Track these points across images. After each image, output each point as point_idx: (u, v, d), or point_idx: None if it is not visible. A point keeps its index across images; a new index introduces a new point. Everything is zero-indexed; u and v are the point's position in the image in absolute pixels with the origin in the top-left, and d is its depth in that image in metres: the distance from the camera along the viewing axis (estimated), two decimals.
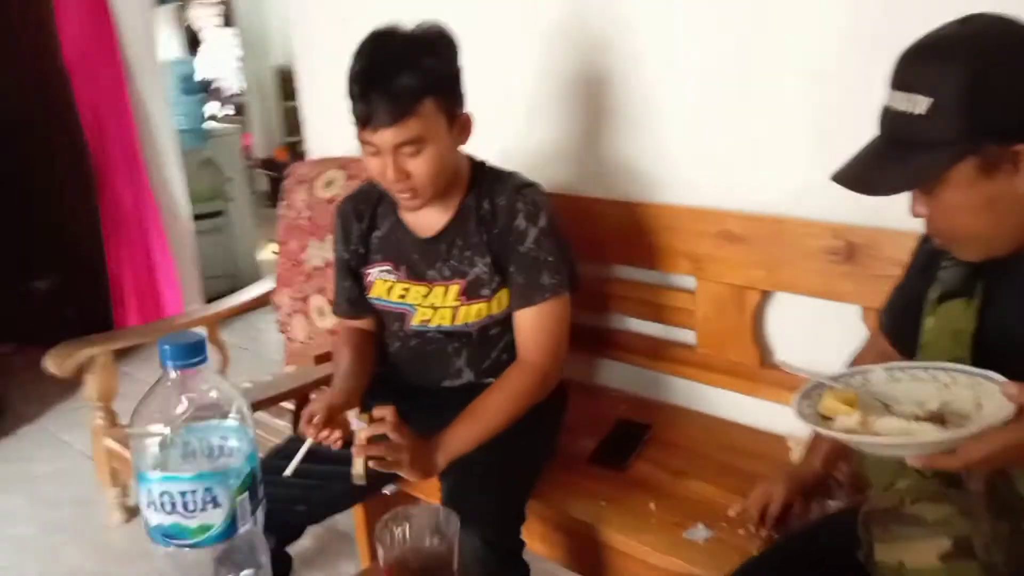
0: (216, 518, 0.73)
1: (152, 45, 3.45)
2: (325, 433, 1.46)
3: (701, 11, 1.77)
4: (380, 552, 0.94)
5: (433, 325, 1.64)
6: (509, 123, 2.11)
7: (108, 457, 2.46)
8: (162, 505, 0.72)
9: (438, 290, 1.63)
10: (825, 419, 0.99)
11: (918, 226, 1.09)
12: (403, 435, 1.43)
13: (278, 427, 2.19)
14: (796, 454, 1.64)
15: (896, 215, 1.47)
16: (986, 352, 1.04)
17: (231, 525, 0.73)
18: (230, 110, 6.65)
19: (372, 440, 1.42)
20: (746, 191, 1.77)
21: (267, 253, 3.97)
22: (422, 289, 1.64)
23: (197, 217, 3.81)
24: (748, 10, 1.70)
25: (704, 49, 1.78)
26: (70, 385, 2.72)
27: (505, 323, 1.64)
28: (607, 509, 1.56)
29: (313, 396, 1.95)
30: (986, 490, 0.99)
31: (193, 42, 6.53)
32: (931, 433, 0.91)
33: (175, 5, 5.78)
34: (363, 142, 1.49)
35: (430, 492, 1.66)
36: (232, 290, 2.86)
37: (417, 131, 1.45)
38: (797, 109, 1.67)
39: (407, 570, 0.92)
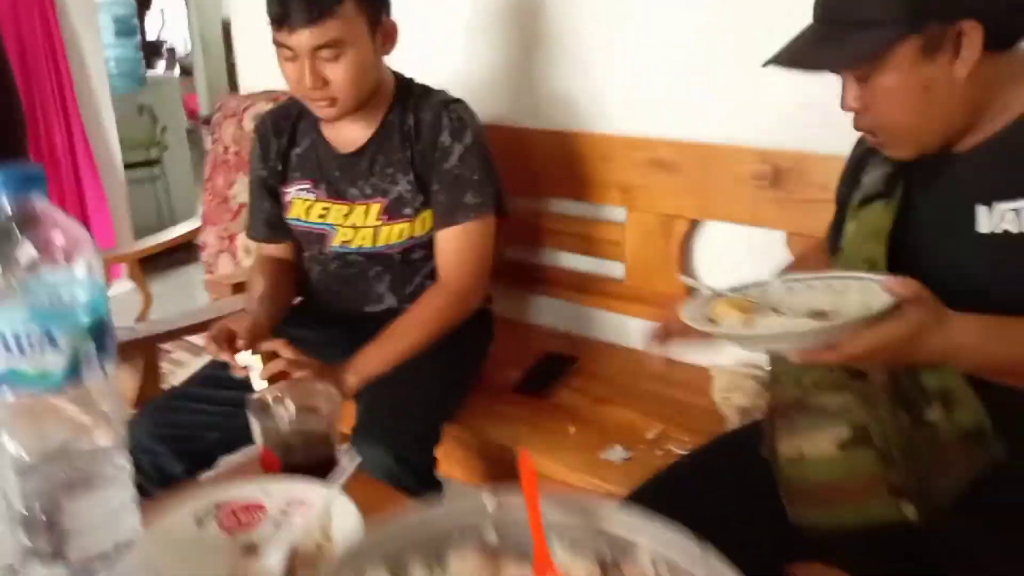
0: (56, 363, 0.67)
1: None
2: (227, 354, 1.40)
3: None
4: (257, 431, 0.89)
5: (354, 247, 1.58)
6: (444, 52, 2.05)
7: None
8: None
9: (359, 209, 1.57)
10: (714, 324, 0.96)
11: (845, 150, 1.06)
12: (303, 365, 1.37)
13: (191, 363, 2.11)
14: (718, 383, 1.62)
15: (823, 139, 1.45)
16: (902, 252, 1.02)
17: (74, 368, 0.67)
18: (176, 72, 6.48)
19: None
20: (677, 118, 1.74)
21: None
22: (343, 208, 1.58)
23: (132, 165, 3.69)
24: None
25: None
26: None
27: (429, 247, 1.59)
28: (526, 433, 1.54)
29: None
30: (889, 381, 0.97)
31: (143, 2, 6.34)
32: (803, 324, 0.88)
33: None
34: (279, 45, 1.42)
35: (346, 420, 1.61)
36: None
37: (336, 33, 1.39)
38: (725, 36, 1.64)
39: (287, 448, 0.87)
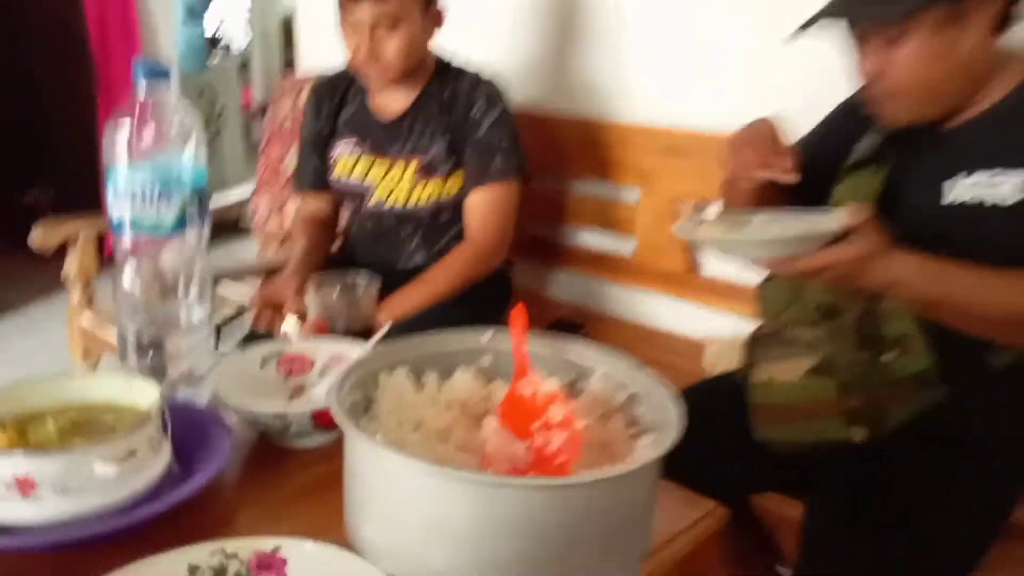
0: (168, 214, 0.87)
1: None
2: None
3: None
4: (312, 304, 1.09)
5: (388, 205, 1.78)
6: (488, 36, 2.26)
7: (82, 335, 2.59)
8: (125, 197, 0.86)
9: (397, 168, 1.77)
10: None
11: None
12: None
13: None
14: (709, 351, 1.78)
15: None
16: (886, 217, 1.14)
17: (180, 223, 0.88)
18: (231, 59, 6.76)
19: None
20: (691, 109, 1.93)
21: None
22: (383, 164, 1.78)
23: None
24: None
25: None
26: (54, 284, 2.87)
27: (455, 209, 1.78)
28: None
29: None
30: (856, 322, 1.13)
31: None
32: (765, 233, 1.04)
33: None
34: (344, 18, 1.64)
35: None
36: (215, 220, 2.99)
37: (394, 8, 1.60)
38: (741, 37, 1.83)
39: (333, 318, 1.08)
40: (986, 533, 1.17)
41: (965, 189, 1.10)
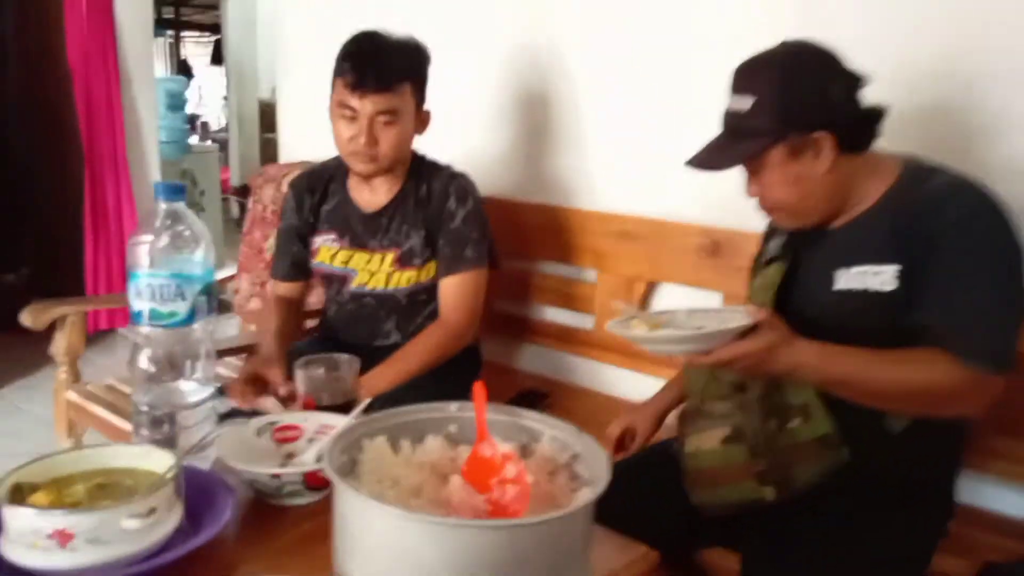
0: (181, 308, 1.03)
1: (149, 59, 3.82)
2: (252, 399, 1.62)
3: (620, 55, 2.17)
4: (300, 383, 1.24)
5: (369, 288, 1.93)
6: (458, 134, 2.46)
7: (68, 409, 2.69)
8: (145, 294, 1.02)
9: (376, 257, 1.92)
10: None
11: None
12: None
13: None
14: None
15: (753, 220, 1.82)
16: (787, 300, 1.35)
17: (191, 315, 1.04)
18: (212, 145, 6.99)
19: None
20: (641, 198, 2.13)
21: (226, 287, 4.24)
22: (364, 255, 1.93)
23: None
24: (655, 65, 2.10)
25: (622, 89, 2.17)
26: (31, 363, 2.96)
27: (431, 291, 1.93)
28: None
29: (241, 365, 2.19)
30: (762, 394, 1.29)
31: (185, 74, 6.89)
32: (683, 333, 1.19)
33: (168, 39, 6.16)
34: (342, 106, 1.77)
35: None
36: None
37: (396, 104, 1.76)
38: (683, 139, 2.02)
39: (319, 395, 1.23)
40: None
41: (851, 278, 1.28)
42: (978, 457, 1.58)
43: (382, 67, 1.74)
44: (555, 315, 2.37)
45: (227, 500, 0.97)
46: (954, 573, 1.41)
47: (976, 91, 1.63)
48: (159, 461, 0.96)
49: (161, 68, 5.46)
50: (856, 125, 1.29)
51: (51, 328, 2.55)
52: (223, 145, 6.87)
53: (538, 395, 2.15)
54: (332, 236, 1.95)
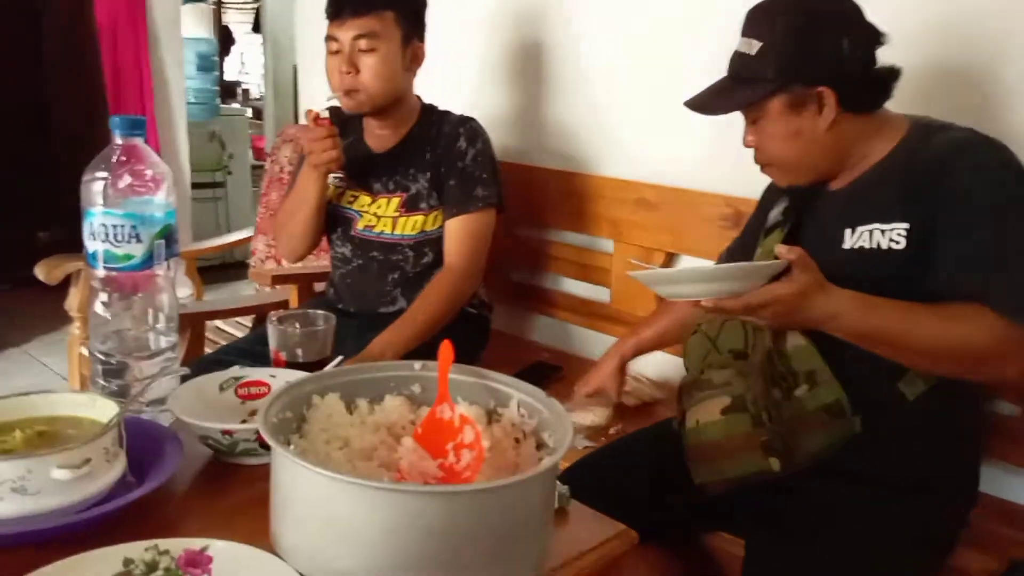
0: (137, 251, 0.97)
1: (177, 19, 3.77)
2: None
3: (633, 7, 2.06)
4: (272, 338, 1.18)
5: (376, 231, 1.87)
6: (463, 90, 2.39)
7: (80, 364, 2.68)
8: (99, 234, 0.96)
9: (382, 200, 1.87)
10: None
11: None
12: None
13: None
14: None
15: None
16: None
17: (148, 259, 0.98)
18: (248, 113, 6.98)
19: None
20: (660, 164, 2.02)
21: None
22: (367, 198, 1.89)
23: (199, 185, 4.09)
24: (671, 22, 1.99)
25: (633, 48, 2.07)
26: (54, 319, 2.97)
27: (437, 244, 1.86)
28: None
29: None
30: (763, 361, 1.21)
31: (226, 42, 6.87)
32: (704, 269, 1.12)
33: (212, 5, 6.13)
34: (329, 39, 1.76)
35: None
36: (222, 261, 3.11)
37: (374, 27, 1.72)
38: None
39: (291, 351, 1.17)
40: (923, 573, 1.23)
41: (860, 236, 1.20)
42: (1008, 446, 1.48)
43: None
44: (570, 286, 2.28)
45: (175, 455, 0.91)
46: (978, 569, 1.31)
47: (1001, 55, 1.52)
48: (104, 411, 0.90)
49: (204, 34, 5.41)
50: (864, 84, 1.22)
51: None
52: (258, 114, 6.86)
53: (551, 368, 2.07)
54: (340, 174, 1.91)
